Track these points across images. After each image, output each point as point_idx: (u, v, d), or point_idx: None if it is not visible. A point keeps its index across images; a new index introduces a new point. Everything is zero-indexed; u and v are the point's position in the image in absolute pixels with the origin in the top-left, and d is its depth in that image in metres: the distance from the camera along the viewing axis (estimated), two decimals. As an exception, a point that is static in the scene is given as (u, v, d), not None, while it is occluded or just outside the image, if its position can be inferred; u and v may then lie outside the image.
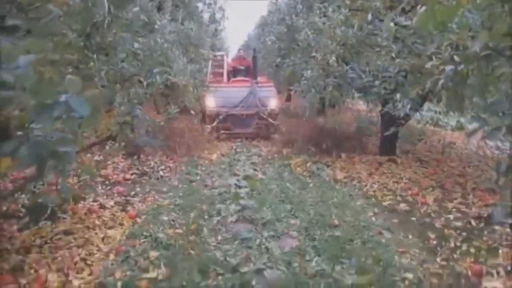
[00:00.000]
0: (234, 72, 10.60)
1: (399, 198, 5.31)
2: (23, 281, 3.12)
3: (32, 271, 3.27)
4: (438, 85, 4.44)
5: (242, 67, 10.51)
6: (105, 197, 5.10)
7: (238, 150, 8.21)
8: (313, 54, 5.80)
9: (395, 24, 5.40)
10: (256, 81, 9.24)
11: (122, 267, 3.43)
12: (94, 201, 4.87)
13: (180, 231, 4.17)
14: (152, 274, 3.31)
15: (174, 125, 7.74)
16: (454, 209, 4.86)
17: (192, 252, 3.72)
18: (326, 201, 5.09)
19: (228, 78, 10.27)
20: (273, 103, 9.20)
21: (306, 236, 4.08)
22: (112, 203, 4.94)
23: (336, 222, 4.43)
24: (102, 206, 4.79)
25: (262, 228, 4.24)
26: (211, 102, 8.96)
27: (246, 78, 9.90)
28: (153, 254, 3.67)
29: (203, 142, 7.95)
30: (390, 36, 5.33)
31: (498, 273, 3.41)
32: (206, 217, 4.57)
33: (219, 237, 4.08)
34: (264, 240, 3.96)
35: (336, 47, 5.57)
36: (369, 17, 5.43)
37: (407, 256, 3.73)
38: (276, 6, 9.19)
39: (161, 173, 6.32)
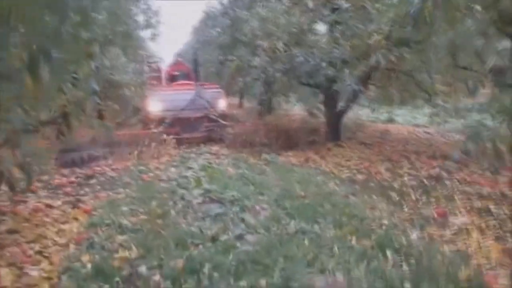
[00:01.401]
0: (172, 78, 10.32)
1: (354, 171, 5.53)
2: None
3: None
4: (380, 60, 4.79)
5: (180, 73, 10.25)
6: (49, 198, 4.62)
7: (188, 150, 7.90)
8: (259, 42, 5.90)
9: (336, 8, 5.74)
10: (201, 83, 8.95)
11: (87, 252, 3.10)
12: (38, 202, 4.39)
13: (144, 217, 3.90)
14: (123, 254, 3.03)
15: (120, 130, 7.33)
16: (405, 174, 5.18)
17: (163, 232, 3.48)
18: (288, 180, 5.12)
19: (167, 84, 9.98)
20: (222, 104, 8.95)
21: (277, 207, 4.04)
22: (59, 202, 4.48)
23: (303, 193, 4.46)
24: (48, 206, 4.32)
25: (231, 205, 4.12)
26: (155, 106, 8.49)
27: (189, 82, 9.58)
28: (121, 238, 3.39)
29: (151, 147, 7.54)
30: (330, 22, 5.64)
31: (460, 212, 3.67)
32: (170, 203, 4.32)
33: (189, 218, 3.88)
34: (236, 214, 3.85)
35: (282, 34, 5.74)
36: (310, 4, 5.68)
37: (377, 210, 3.87)
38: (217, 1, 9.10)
39: (110, 174, 5.90)
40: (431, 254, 2.82)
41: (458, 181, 4.75)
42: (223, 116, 8.75)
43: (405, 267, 2.68)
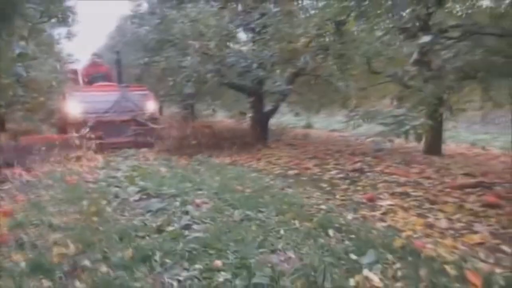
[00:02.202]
0: (90, 79, 9.59)
1: (285, 168, 5.78)
2: None
3: None
4: (308, 61, 5.13)
5: (99, 74, 9.50)
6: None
7: (113, 154, 7.42)
8: (190, 42, 5.91)
9: (264, 14, 6.01)
10: (126, 85, 8.44)
11: (18, 251, 2.81)
12: None
13: (77, 216, 3.64)
14: (60, 251, 2.81)
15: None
16: (332, 168, 5.58)
17: (101, 228, 3.30)
18: (223, 177, 5.17)
19: (85, 85, 9.28)
20: (151, 106, 8.35)
21: (218, 200, 4.07)
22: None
23: (240, 188, 4.55)
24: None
25: (171, 200, 4.05)
26: (74, 108, 7.67)
27: (110, 83, 8.97)
28: (54, 236, 3.12)
29: (70, 152, 6.95)
30: (259, 25, 5.89)
31: (385, 196, 4.09)
32: (103, 202, 4.08)
33: (127, 214, 3.72)
34: (178, 208, 3.79)
35: (213, 35, 5.83)
36: (239, 8, 5.87)
37: (313, 199, 4.12)
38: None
39: (26, 178, 5.36)
40: (367, 230, 3.10)
41: (378, 172, 5.26)
42: (152, 119, 8.23)
43: (347, 242, 2.90)
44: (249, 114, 9.04)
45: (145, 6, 7.82)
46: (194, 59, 5.88)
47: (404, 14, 4.48)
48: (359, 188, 4.51)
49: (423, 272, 2.36)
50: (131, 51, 8.50)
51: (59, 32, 8.70)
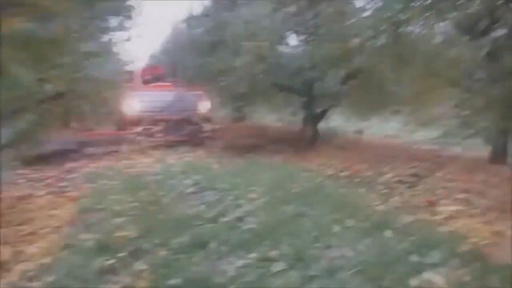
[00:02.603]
0: (147, 80, 9.93)
1: (337, 169, 5.69)
2: None
3: None
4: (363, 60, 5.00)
5: (156, 75, 9.66)
6: (31, 189, 4.44)
7: (168, 152, 7.61)
8: (244, 42, 5.99)
9: (317, 15, 5.97)
10: (181, 85, 8.47)
11: (85, 232, 3.00)
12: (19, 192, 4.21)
13: (136, 204, 3.81)
14: (123, 233, 2.95)
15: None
16: (387, 172, 5.38)
17: (159, 216, 3.42)
18: (275, 175, 5.16)
19: (142, 86, 9.67)
20: (205, 106, 8.40)
21: (270, 196, 4.07)
22: (42, 192, 4.31)
23: (292, 185, 4.53)
24: (31, 195, 4.14)
25: (225, 194, 4.11)
26: (132, 107, 7.98)
27: (166, 83, 9.08)
28: (117, 220, 3.29)
29: (129, 148, 7.29)
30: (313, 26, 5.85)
31: (446, 202, 3.89)
32: (160, 193, 4.24)
33: (183, 204, 3.84)
34: (231, 201, 3.85)
35: (267, 36, 5.88)
36: (293, 9, 5.87)
37: (367, 200, 4.02)
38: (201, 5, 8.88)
39: (89, 170, 5.72)
40: (429, 233, 2.96)
41: (438, 178, 5.00)
42: (206, 119, 8.36)
43: (406, 243, 2.78)
44: (299, 116, 9.00)
45: (199, 9, 8.06)
46: (247, 59, 5.96)
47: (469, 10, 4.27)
48: (417, 192, 4.32)
49: (492, 278, 2.21)
50: (185, 53, 8.74)
51: (120, 34, 9.13)
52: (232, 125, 8.08)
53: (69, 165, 5.99)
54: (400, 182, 4.83)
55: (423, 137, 9.52)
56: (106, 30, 8.00)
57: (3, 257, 2.54)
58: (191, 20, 7.84)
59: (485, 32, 3.54)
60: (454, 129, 6.94)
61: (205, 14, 7.56)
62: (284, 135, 8.69)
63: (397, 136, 11.16)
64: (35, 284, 2.17)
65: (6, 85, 2.43)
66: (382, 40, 5.52)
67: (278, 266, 2.37)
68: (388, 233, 2.98)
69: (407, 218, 3.38)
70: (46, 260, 2.50)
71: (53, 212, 3.59)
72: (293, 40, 6.24)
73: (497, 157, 6.48)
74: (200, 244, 2.70)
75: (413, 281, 2.22)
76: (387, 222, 3.19)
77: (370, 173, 5.40)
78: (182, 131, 8.12)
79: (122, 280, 2.26)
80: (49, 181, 4.79)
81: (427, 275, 2.29)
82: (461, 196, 4.13)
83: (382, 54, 5.82)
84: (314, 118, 7.74)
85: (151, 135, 7.66)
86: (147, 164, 6.21)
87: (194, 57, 8.43)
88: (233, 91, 7.21)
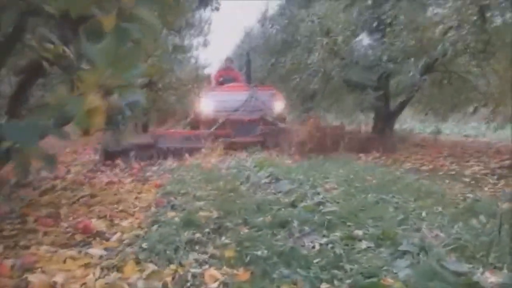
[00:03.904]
0: (222, 82, 10.14)
1: (417, 164, 5.44)
2: (64, 224, 2.82)
3: (71, 219, 2.97)
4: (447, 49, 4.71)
5: (229, 77, 9.62)
6: (118, 176, 4.80)
7: (241, 153, 7.68)
8: (318, 38, 5.96)
9: (395, 5, 5.76)
10: (255, 85, 8.56)
11: (171, 211, 3.17)
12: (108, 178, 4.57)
13: (215, 192, 3.94)
14: (205, 214, 3.06)
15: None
16: (474, 165, 5.02)
17: (238, 201, 3.50)
18: (350, 168, 5.06)
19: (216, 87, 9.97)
20: (279, 106, 8.11)
21: (348, 186, 3.98)
22: (129, 179, 4.63)
23: (370, 177, 4.39)
24: (120, 181, 4.48)
25: (301, 184, 4.09)
26: (207, 106, 7.98)
27: (240, 84, 9.14)
28: (198, 203, 3.43)
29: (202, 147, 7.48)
30: (391, 16, 5.65)
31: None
32: (237, 183, 4.34)
33: (260, 192, 3.89)
34: (308, 190, 3.82)
35: (341, 30, 5.80)
36: (369, 2, 5.73)
37: (455, 190, 3.77)
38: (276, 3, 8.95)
39: (167, 164, 6.02)
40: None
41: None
42: (280, 119, 8.04)
43: (505, 227, 2.55)
44: (371, 117, 8.70)
45: (274, 9, 8.15)
46: (321, 55, 5.92)
47: None
48: (509, 183, 3.96)
49: None
50: (259, 54, 8.85)
51: (198, 40, 9.68)
52: (304, 125, 7.89)
53: (149, 159, 6.35)
54: (490, 174, 4.47)
55: (507, 135, 8.72)
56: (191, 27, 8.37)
57: (100, 228, 2.77)
58: (265, 20, 7.94)
59: None
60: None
61: (280, 13, 7.60)
62: (356, 135, 8.44)
63: (477, 136, 10.35)
64: (134, 248, 2.32)
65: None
66: (465, 28, 5.19)
67: (364, 244, 2.30)
68: (482, 218, 2.76)
69: (503, 205, 3.10)
70: (140, 232, 2.68)
71: (140, 195, 3.84)
72: (369, 34, 6.04)
73: None
74: (282, 223, 2.71)
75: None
76: (480, 209, 2.95)
77: (454, 166, 5.08)
78: (256, 131, 7.87)
79: (209, 251, 2.34)
80: (133, 171, 5.13)
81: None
82: None
83: (466, 45, 5.46)
84: (389, 115, 7.45)
85: (225, 134, 7.58)
86: (221, 160, 6.38)
87: (267, 56, 8.51)
88: (305, 90, 7.18)
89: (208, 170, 5.36)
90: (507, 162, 5.04)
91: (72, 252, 2.32)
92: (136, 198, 3.71)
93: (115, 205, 3.43)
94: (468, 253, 2.07)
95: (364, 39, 6.16)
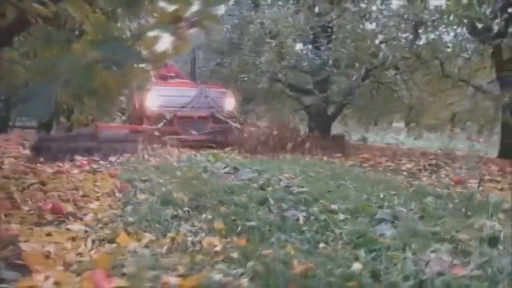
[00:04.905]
0: (162, 79, 9.82)
1: (358, 161, 5.87)
2: (25, 208, 2.63)
3: (29, 203, 2.76)
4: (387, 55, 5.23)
5: (170, 74, 9.21)
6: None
7: (192, 151, 7.42)
8: (267, 40, 6.22)
9: (340, 15, 6.25)
10: (202, 82, 8.35)
11: (140, 194, 3.09)
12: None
13: (177, 180, 3.88)
14: (178, 196, 3.03)
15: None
16: (407, 163, 5.59)
17: (207, 186, 3.50)
18: (301, 164, 5.31)
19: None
20: (230, 104, 7.91)
21: (306, 175, 4.21)
22: (77, 170, 4.36)
23: (321, 170, 4.67)
24: (67, 172, 4.21)
25: (260, 174, 4.21)
26: (153, 101, 7.53)
27: (184, 80, 8.91)
28: (165, 188, 3.38)
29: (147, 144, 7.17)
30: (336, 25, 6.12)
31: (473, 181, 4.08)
32: (195, 173, 4.32)
33: (222, 181, 3.92)
34: (270, 178, 3.95)
35: (289, 33, 6.13)
36: (316, 9, 6.15)
37: (399, 180, 4.18)
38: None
39: (113, 159, 5.75)
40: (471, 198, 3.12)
41: (457, 168, 5.22)
42: (231, 117, 7.81)
43: (453, 205, 2.93)
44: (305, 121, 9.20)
45: (223, 9, 8.24)
46: (270, 55, 6.18)
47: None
48: (443, 176, 4.52)
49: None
50: (204, 52, 8.83)
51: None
52: (246, 126, 8.01)
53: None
54: (421, 170, 5.04)
55: (423, 143, 9.85)
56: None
57: (68, 210, 2.62)
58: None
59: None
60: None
61: (228, 14, 7.74)
62: (296, 137, 8.82)
63: (398, 144, 11.46)
64: (119, 224, 2.25)
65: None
66: (401, 40, 5.82)
67: (342, 216, 2.50)
68: (430, 199, 3.13)
69: (442, 191, 3.55)
70: (116, 211, 2.59)
71: (96, 183, 3.65)
72: (314, 40, 6.45)
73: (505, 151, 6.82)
74: (260, 202, 2.81)
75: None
76: (427, 191, 3.35)
77: (391, 164, 5.61)
78: (206, 129, 7.64)
79: (196, 224, 2.36)
80: (77, 163, 4.83)
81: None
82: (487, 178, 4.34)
83: (397, 57, 6.11)
84: (327, 119, 7.95)
85: (173, 131, 7.25)
86: (170, 154, 6.25)
87: (212, 56, 8.53)
88: (247, 91, 7.36)
89: (159, 162, 5.25)
90: (434, 161, 5.73)
91: (51, 228, 2.19)
92: (94, 185, 3.53)
93: (74, 191, 3.23)
94: (433, 219, 2.37)
95: (310, 46, 6.55)
